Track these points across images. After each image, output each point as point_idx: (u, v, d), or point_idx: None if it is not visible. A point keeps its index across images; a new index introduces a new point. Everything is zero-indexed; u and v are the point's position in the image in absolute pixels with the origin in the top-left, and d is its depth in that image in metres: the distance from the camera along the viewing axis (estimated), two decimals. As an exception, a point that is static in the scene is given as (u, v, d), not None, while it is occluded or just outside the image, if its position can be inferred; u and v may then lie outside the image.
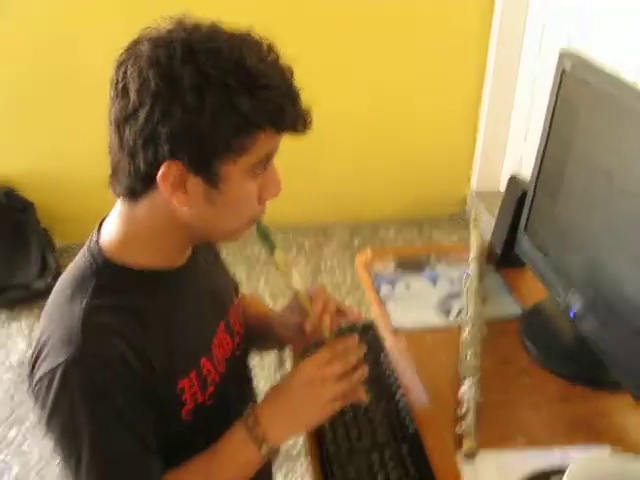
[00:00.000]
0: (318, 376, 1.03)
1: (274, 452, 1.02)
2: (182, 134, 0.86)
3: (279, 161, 0.99)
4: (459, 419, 1.17)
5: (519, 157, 3.36)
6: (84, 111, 2.99)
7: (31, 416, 2.47)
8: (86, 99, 2.93)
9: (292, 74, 0.93)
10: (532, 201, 1.43)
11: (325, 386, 1.03)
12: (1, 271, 3.10)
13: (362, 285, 1.65)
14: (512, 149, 3.46)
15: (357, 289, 3.00)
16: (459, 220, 3.59)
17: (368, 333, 1.42)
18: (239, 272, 3.07)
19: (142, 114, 0.86)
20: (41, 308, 1.02)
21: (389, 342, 1.40)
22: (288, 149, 1.01)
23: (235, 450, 1.02)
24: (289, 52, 0.94)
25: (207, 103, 0.85)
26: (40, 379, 0.94)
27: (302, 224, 3.53)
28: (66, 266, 1.05)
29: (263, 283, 3.14)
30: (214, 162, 0.89)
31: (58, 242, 3.24)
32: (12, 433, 2.45)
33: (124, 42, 0.92)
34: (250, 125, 0.88)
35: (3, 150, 3.22)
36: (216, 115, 0.86)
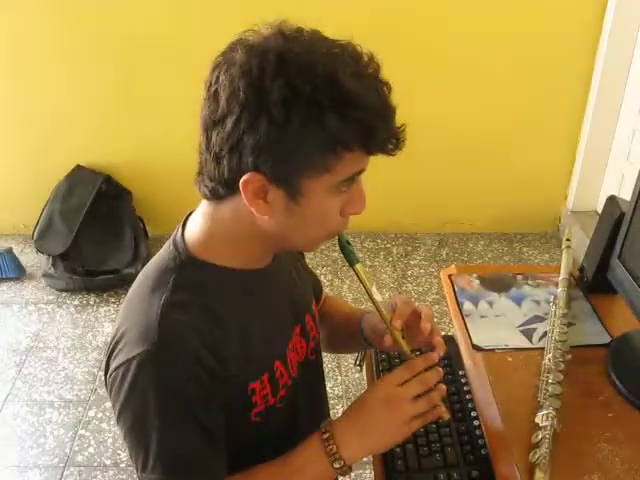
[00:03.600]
0: (395, 395, 1.00)
1: (346, 469, 1.00)
2: (266, 147, 0.86)
3: (370, 168, 0.96)
4: (533, 447, 1.13)
5: (620, 176, 3.24)
6: (185, 107, 3.07)
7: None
8: (187, 96, 3.00)
9: (389, 90, 0.90)
10: (630, 224, 1.35)
11: (402, 406, 0.99)
12: (94, 256, 3.20)
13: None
14: (613, 168, 3.34)
15: (442, 301, 2.96)
16: (552, 239, 3.49)
17: (448, 347, 1.39)
18: (324, 274, 3.07)
19: (229, 122, 0.86)
20: (128, 295, 1.03)
21: (467, 360, 1.37)
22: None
23: (306, 462, 1.01)
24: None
25: (293, 118, 0.84)
26: (115, 370, 0.96)
27: (391, 231, 3.50)
28: (156, 255, 1.07)
29: (347, 288, 3.13)
30: (296, 177, 0.89)
31: (151, 232, 3.32)
32: (92, 412, 2.53)
33: (223, 41, 0.92)
34: (336, 144, 0.86)
35: (106, 139, 3.33)
36: (302, 131, 0.85)
